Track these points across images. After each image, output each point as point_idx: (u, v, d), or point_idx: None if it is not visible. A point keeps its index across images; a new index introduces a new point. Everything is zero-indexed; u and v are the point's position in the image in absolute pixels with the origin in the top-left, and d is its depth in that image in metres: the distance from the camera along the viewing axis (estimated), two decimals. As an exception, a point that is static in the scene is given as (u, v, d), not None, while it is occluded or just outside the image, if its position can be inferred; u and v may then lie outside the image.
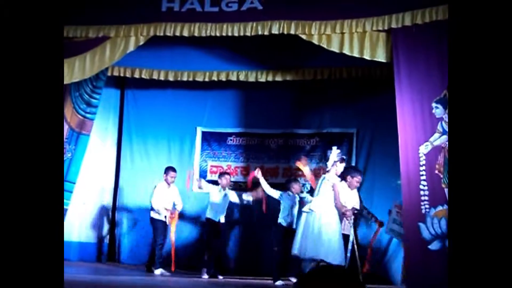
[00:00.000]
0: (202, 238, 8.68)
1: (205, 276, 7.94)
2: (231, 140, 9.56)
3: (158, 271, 8.09)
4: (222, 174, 8.55)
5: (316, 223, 6.44)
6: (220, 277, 8.00)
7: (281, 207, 7.87)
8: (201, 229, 8.94)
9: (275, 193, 7.91)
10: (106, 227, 9.61)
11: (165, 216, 8.24)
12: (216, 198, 8.21)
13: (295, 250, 6.54)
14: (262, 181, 7.83)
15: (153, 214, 8.32)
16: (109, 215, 9.67)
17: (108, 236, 9.58)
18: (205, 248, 8.14)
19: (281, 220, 7.80)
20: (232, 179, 9.35)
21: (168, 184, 8.37)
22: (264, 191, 7.89)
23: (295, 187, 7.97)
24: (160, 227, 8.25)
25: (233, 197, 8.35)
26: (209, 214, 8.17)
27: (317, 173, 9.11)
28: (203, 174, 9.50)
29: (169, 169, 8.47)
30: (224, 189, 8.28)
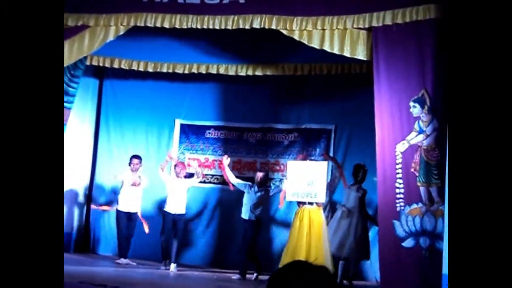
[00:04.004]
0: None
1: (170, 268, 7.93)
2: (209, 133, 9.53)
3: (122, 261, 8.17)
4: (177, 164, 8.60)
5: None
6: (173, 268, 7.96)
7: (244, 201, 7.90)
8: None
9: (240, 182, 8.04)
10: (78, 218, 9.51)
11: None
12: (172, 189, 8.24)
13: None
14: (227, 170, 8.06)
15: (118, 206, 8.45)
16: (84, 205, 9.59)
17: (80, 226, 9.50)
18: (164, 241, 8.16)
19: (244, 214, 7.83)
20: (210, 173, 9.34)
21: (133, 172, 8.41)
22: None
23: (258, 174, 8.04)
24: (122, 218, 8.36)
25: (187, 182, 8.36)
26: (165, 207, 8.25)
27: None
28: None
29: (132, 157, 8.54)
30: (179, 178, 8.32)
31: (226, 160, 8.17)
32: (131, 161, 8.51)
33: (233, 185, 8.17)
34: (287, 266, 1.67)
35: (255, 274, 7.65)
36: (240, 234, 8.09)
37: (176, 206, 8.20)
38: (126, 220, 8.37)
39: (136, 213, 8.47)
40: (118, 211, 8.47)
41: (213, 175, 9.36)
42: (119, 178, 8.61)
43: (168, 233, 8.11)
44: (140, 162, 8.54)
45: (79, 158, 9.44)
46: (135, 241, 8.67)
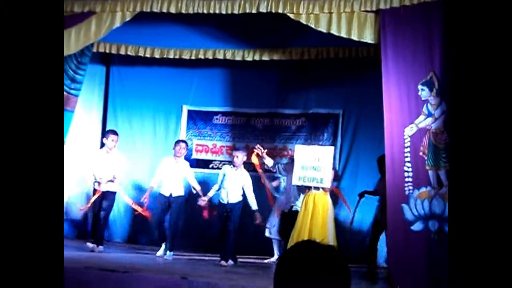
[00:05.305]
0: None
1: (159, 253, 7.77)
2: (217, 119, 9.53)
3: (89, 245, 7.79)
4: (177, 142, 8.14)
5: None
6: (161, 252, 7.77)
7: (225, 184, 7.65)
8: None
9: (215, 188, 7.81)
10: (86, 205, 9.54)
11: (97, 184, 7.94)
12: (168, 169, 7.87)
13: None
14: (207, 196, 7.79)
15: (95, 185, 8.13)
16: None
17: (88, 214, 9.53)
18: (157, 225, 7.93)
19: (224, 199, 7.62)
20: (218, 158, 9.34)
21: (109, 149, 7.98)
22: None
23: (235, 153, 7.76)
24: (97, 198, 7.96)
25: (186, 169, 7.97)
26: (160, 189, 7.88)
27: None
28: (188, 153, 9.45)
29: (109, 132, 8.13)
30: (177, 160, 7.90)
31: (203, 200, 7.75)
32: (108, 136, 7.97)
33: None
34: (296, 246, 1.67)
35: (228, 262, 7.46)
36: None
37: (172, 188, 7.82)
38: (101, 200, 7.91)
39: (114, 192, 7.98)
40: (94, 191, 8.07)
41: (221, 161, 9.35)
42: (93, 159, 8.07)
43: (161, 217, 7.82)
44: (117, 138, 7.97)
45: (87, 145, 9.47)
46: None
